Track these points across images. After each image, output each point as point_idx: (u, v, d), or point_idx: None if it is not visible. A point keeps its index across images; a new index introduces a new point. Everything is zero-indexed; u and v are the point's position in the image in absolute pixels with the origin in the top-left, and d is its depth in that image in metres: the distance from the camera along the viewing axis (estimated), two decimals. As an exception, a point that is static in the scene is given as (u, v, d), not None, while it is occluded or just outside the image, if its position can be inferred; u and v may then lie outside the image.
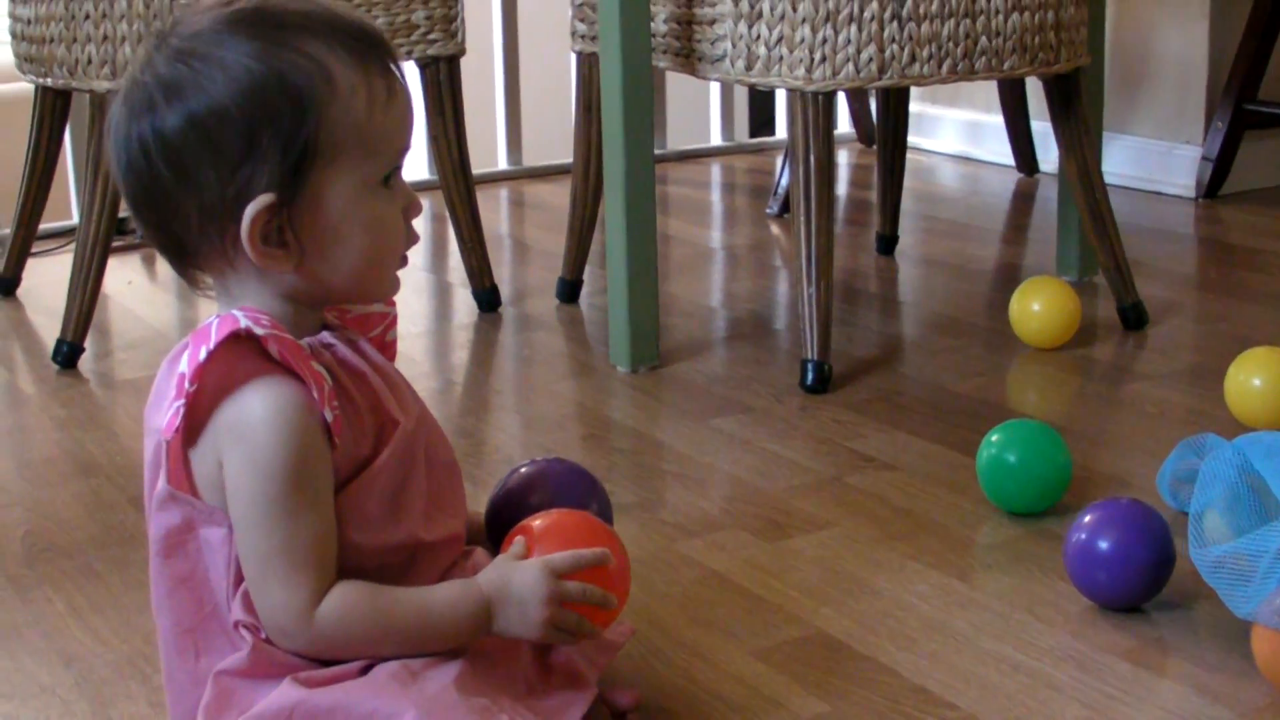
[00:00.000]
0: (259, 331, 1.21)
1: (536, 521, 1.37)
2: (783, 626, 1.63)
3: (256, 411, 1.21)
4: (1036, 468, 1.86)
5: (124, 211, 2.78)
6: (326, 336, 1.30)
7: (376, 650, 1.26)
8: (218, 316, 1.23)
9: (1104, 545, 1.60)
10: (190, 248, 1.28)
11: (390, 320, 1.39)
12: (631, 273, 2.43)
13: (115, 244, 2.70)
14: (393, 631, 1.25)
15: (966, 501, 1.92)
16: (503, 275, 3.06)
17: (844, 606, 1.66)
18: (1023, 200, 3.73)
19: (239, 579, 1.25)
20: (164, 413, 1.23)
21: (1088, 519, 1.63)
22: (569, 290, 2.90)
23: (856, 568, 1.76)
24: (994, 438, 1.88)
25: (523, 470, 1.52)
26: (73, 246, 2.62)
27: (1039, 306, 2.50)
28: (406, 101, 1.30)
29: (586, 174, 2.80)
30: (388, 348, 1.38)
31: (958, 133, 4.17)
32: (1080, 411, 2.30)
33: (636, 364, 2.47)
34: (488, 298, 2.85)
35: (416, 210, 1.32)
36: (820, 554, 1.79)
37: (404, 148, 1.30)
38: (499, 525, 1.44)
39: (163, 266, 3.26)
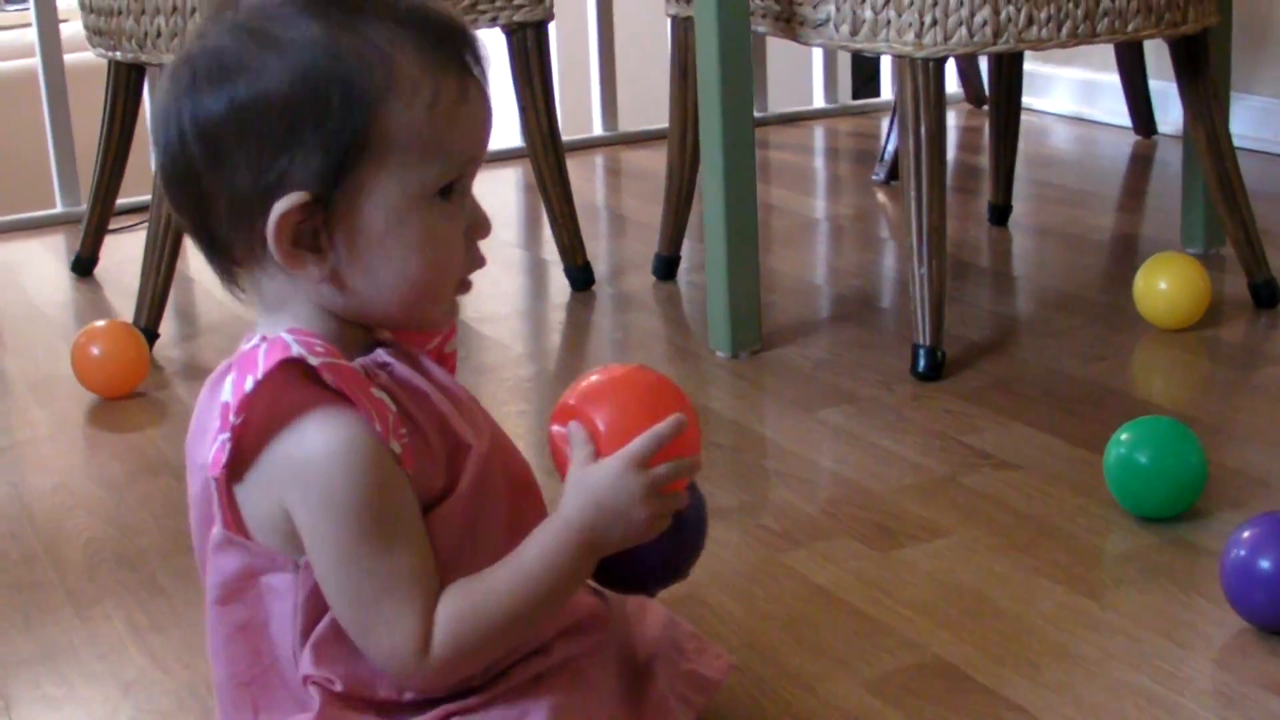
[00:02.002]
0: (313, 361, 1.08)
1: (584, 389, 1.21)
2: (896, 652, 1.49)
3: (320, 448, 1.08)
4: (1170, 469, 1.71)
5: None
6: (382, 355, 1.16)
7: (503, 647, 1.15)
8: (264, 340, 1.11)
9: (1265, 564, 1.46)
10: (222, 242, 1.14)
11: (449, 330, 1.26)
12: (731, 253, 2.29)
13: (193, 221, 2.60)
14: (506, 622, 1.13)
15: (1092, 504, 1.78)
16: (599, 249, 2.93)
17: (962, 628, 1.53)
18: (1140, 164, 3.55)
19: (306, 629, 1.13)
20: (208, 447, 1.11)
21: (1246, 534, 1.49)
22: (666, 267, 2.76)
23: (975, 582, 1.62)
24: (1123, 436, 1.74)
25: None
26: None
27: (1166, 285, 2.34)
28: (481, 106, 1.16)
29: (683, 143, 2.66)
30: (446, 359, 1.25)
31: (1071, 92, 4.00)
32: (1211, 400, 2.14)
33: (737, 349, 2.33)
34: (581, 276, 2.72)
35: (484, 231, 1.17)
36: (935, 566, 1.66)
37: (472, 157, 1.15)
38: None
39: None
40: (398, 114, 1.10)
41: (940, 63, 2.20)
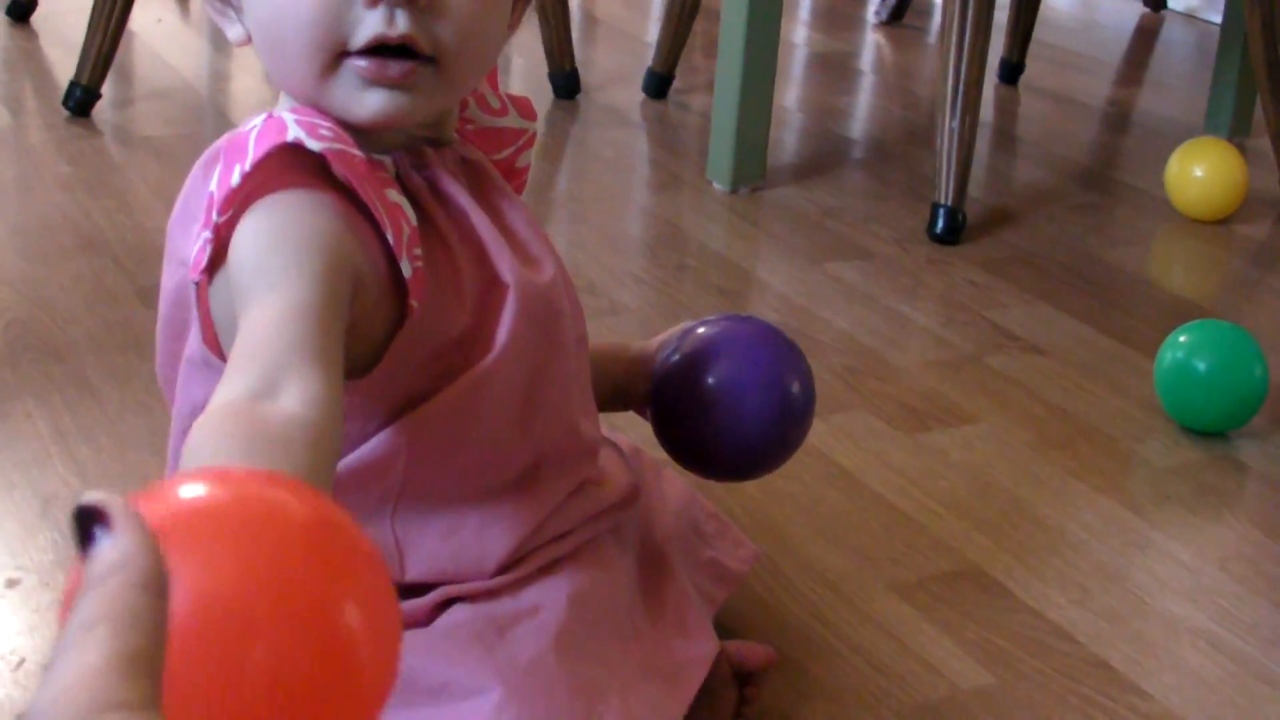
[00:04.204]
0: (312, 146, 0.86)
1: None
2: (929, 555, 1.31)
3: (248, 226, 0.86)
4: (1230, 380, 1.54)
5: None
6: (428, 154, 0.95)
7: None
8: (265, 116, 0.89)
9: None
10: None
11: (526, 139, 1.05)
12: (746, 76, 2.08)
13: (148, -26, 2.35)
14: None
15: (1132, 406, 1.61)
16: (580, 57, 2.71)
17: (1001, 535, 1.35)
18: (1145, 38, 3.35)
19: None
20: (191, 241, 0.89)
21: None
22: (658, 85, 2.55)
23: (1011, 482, 1.44)
24: (1181, 338, 1.56)
25: (700, 333, 1.13)
26: (99, -28, 2.27)
27: (1202, 172, 2.15)
28: None
29: (693, -46, 2.44)
30: (516, 175, 1.05)
31: (1080, -48, 3.79)
32: (1246, 303, 1.97)
33: (737, 183, 2.13)
34: (566, 83, 2.50)
35: None
36: (967, 458, 1.48)
37: None
38: (665, 410, 1.12)
39: (197, 6, 2.91)
40: None
41: (1000, -103, 1.99)
